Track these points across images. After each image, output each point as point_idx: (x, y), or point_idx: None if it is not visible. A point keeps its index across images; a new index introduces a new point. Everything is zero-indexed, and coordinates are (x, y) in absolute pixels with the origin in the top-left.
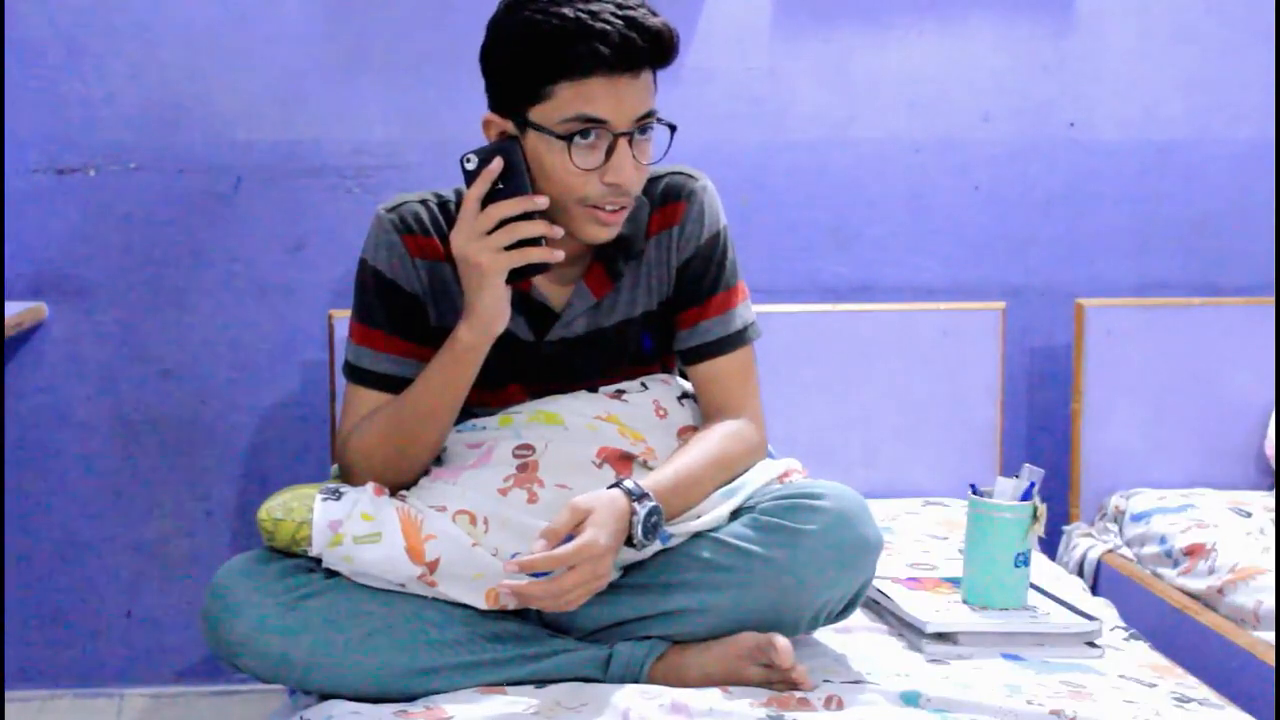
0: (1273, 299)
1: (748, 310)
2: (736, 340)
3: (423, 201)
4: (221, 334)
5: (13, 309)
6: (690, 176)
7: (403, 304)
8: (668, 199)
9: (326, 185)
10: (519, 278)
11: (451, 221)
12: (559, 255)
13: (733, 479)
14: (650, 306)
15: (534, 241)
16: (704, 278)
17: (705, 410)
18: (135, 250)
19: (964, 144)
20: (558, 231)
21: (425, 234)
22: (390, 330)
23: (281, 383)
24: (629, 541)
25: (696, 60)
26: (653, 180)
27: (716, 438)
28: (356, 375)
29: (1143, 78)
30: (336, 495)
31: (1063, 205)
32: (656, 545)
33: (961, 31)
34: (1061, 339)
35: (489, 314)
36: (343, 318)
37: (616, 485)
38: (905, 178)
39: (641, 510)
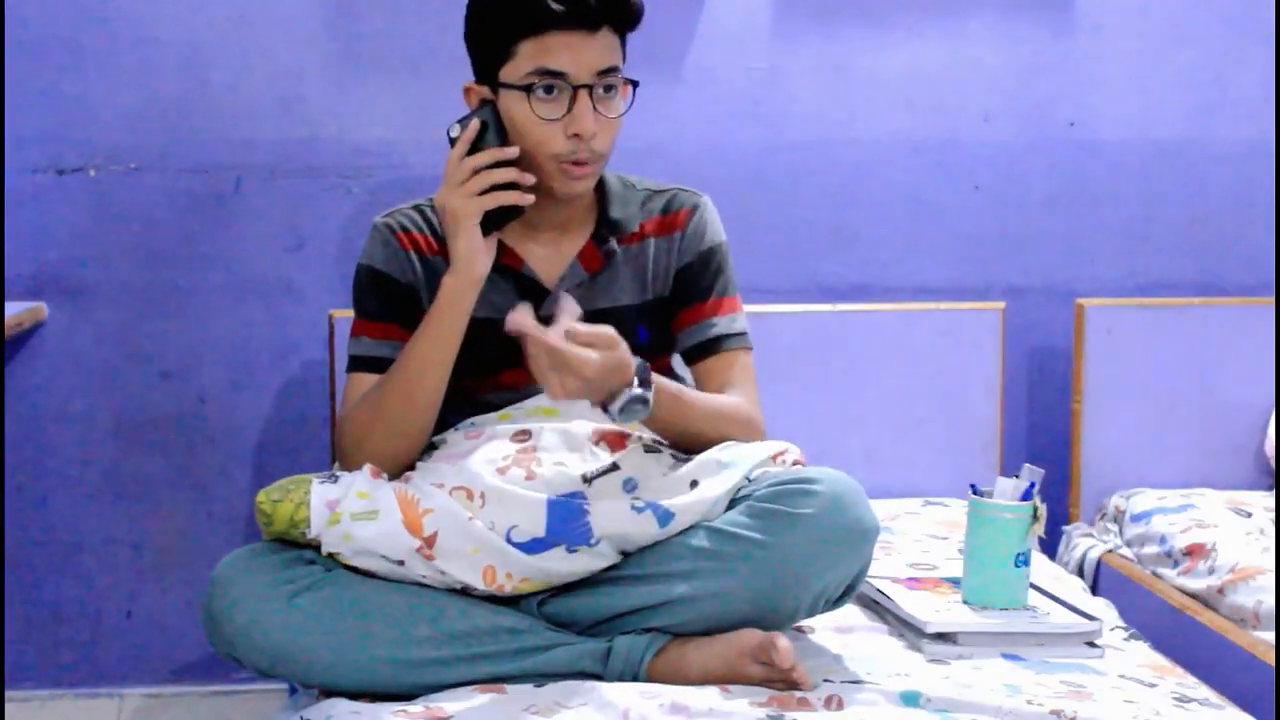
0: (1273, 299)
1: (744, 321)
2: (737, 340)
3: (415, 207)
4: (221, 334)
5: (13, 309)
6: (693, 193)
7: (397, 293)
8: (671, 209)
9: (326, 185)
10: (497, 224)
11: None
12: (529, 199)
13: (725, 442)
14: (646, 299)
15: (509, 190)
16: (703, 279)
17: None
18: (135, 250)
19: (964, 144)
20: (529, 178)
21: (420, 231)
22: (385, 318)
23: (281, 383)
24: (604, 405)
25: (696, 60)
26: (657, 193)
27: (724, 397)
28: (354, 363)
29: (1143, 78)
30: (333, 479)
31: (1063, 205)
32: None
33: (961, 31)
34: (1061, 339)
35: (468, 257)
36: (342, 317)
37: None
38: (905, 178)
39: (633, 391)
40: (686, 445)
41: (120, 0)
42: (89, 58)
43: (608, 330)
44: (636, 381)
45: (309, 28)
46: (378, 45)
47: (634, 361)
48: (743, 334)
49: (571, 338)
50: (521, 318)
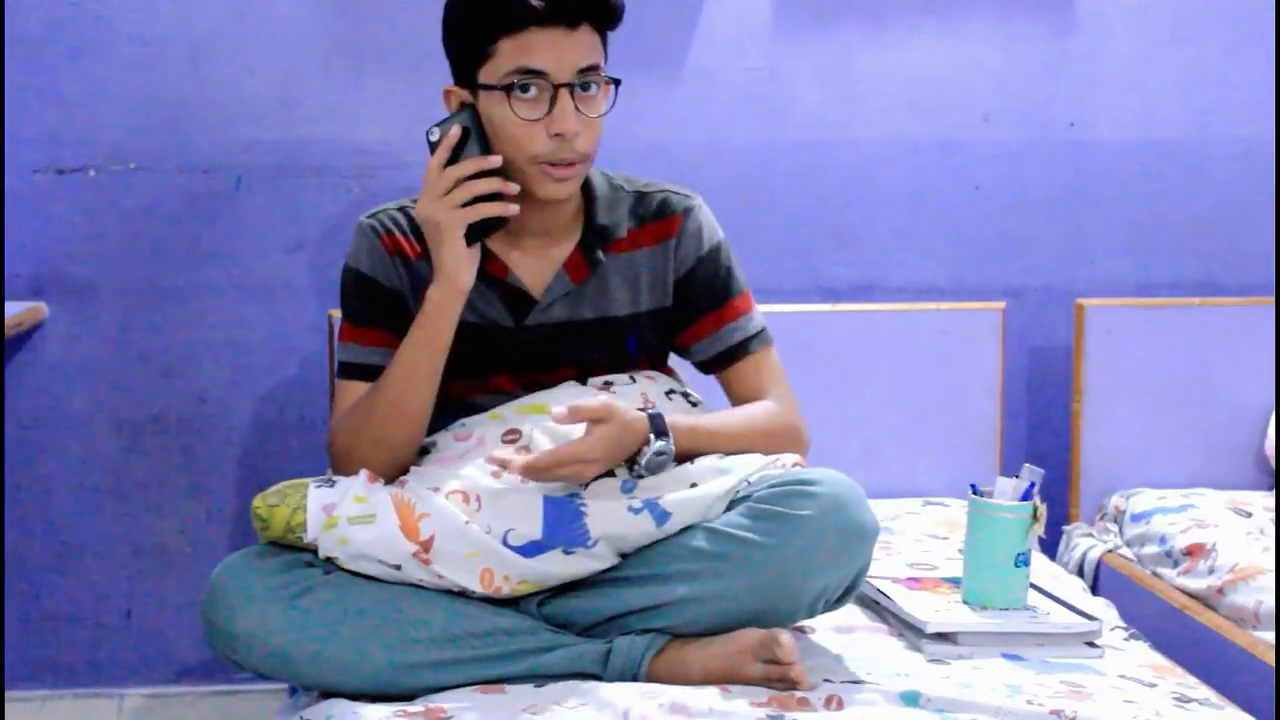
0: (1273, 299)
1: (760, 317)
2: (757, 340)
3: (401, 208)
4: (221, 334)
5: (13, 309)
6: (685, 195)
7: (383, 298)
8: (662, 214)
9: (326, 185)
10: (480, 234)
11: None
12: (514, 209)
13: (769, 452)
14: (638, 310)
15: (492, 199)
16: (713, 285)
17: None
18: (135, 250)
19: (964, 144)
20: (513, 188)
21: (404, 234)
22: (373, 324)
23: (281, 383)
24: (630, 462)
25: (696, 60)
26: (646, 195)
27: (753, 408)
28: (343, 370)
29: (1143, 78)
30: (330, 483)
31: (1063, 205)
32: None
33: (961, 31)
34: (1061, 339)
35: (453, 269)
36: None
37: (646, 410)
38: (905, 178)
39: (653, 447)
40: None
41: (120, 0)
42: (89, 58)
43: (598, 404)
44: (653, 436)
45: (309, 28)
46: (378, 45)
47: (642, 417)
48: (761, 331)
49: (574, 415)
50: (502, 458)
